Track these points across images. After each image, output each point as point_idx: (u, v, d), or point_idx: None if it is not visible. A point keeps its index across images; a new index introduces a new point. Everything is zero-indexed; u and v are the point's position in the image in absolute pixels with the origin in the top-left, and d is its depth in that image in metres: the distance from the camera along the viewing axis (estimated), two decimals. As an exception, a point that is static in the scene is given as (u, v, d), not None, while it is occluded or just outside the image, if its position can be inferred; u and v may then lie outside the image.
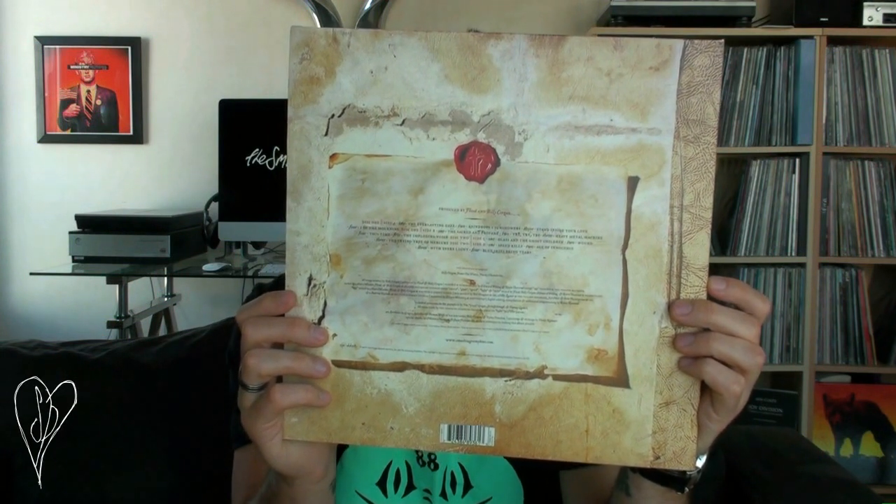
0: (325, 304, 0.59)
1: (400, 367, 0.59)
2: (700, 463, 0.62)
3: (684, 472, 0.62)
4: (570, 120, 0.56)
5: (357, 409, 0.59)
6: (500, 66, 0.56)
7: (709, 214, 0.56)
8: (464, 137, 0.57)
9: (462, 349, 0.58)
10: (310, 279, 0.59)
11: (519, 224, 0.57)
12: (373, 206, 0.58)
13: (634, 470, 0.65)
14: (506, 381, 0.58)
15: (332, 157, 0.58)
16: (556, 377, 0.58)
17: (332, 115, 0.58)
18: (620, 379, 0.57)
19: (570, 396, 0.58)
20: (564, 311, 0.57)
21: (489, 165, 0.57)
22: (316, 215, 0.58)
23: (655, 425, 0.57)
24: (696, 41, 0.56)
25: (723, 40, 0.56)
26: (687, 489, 0.64)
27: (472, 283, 0.58)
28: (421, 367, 0.58)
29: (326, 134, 0.58)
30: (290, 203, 0.58)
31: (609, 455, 0.58)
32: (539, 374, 0.58)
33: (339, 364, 0.59)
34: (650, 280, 0.57)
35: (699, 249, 0.56)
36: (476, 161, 0.57)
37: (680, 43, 0.56)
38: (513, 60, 0.56)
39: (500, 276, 0.57)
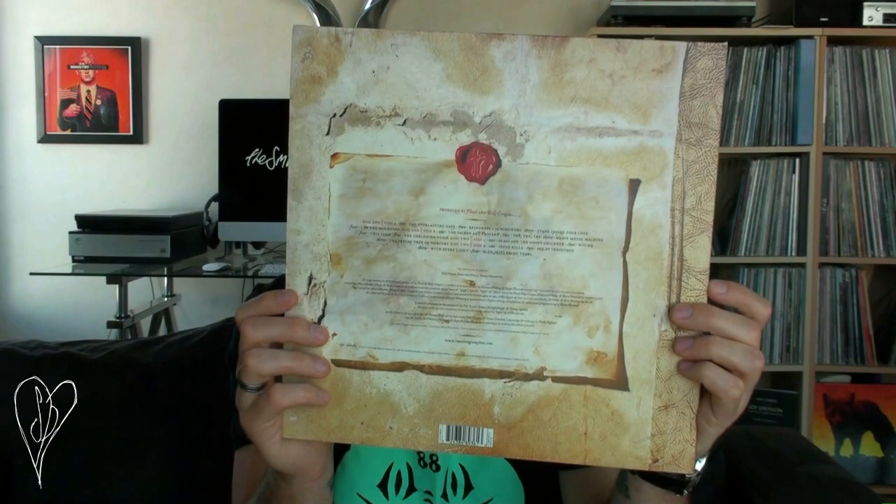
0: (326, 303, 0.59)
1: (399, 367, 0.58)
2: (699, 466, 0.62)
3: (683, 475, 0.62)
4: (571, 122, 0.56)
5: (356, 409, 0.59)
6: (502, 67, 0.56)
7: (710, 218, 0.56)
8: (465, 138, 0.57)
9: (461, 350, 0.58)
10: (310, 278, 0.59)
11: (519, 225, 0.57)
12: (374, 206, 0.58)
13: (633, 472, 0.65)
14: (505, 382, 0.58)
15: (334, 156, 0.58)
16: (556, 379, 0.58)
17: (334, 115, 0.58)
18: (620, 381, 0.57)
19: (569, 398, 0.58)
20: (564, 313, 0.57)
21: (490, 166, 0.57)
22: (317, 214, 0.58)
23: (654, 428, 0.57)
24: (699, 43, 0.55)
25: (726, 43, 0.56)
26: (686, 492, 0.64)
27: (472, 284, 0.57)
28: (420, 368, 0.58)
29: (328, 133, 0.58)
30: (290, 202, 0.58)
31: (607, 457, 0.58)
32: (538, 375, 0.58)
33: (338, 363, 0.59)
34: (650, 283, 0.57)
35: (700, 253, 0.56)
36: (477, 162, 0.57)
37: (683, 45, 0.55)
38: (515, 61, 0.56)
39: (500, 278, 0.57)
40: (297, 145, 0.58)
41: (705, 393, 0.57)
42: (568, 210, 0.57)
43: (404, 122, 0.57)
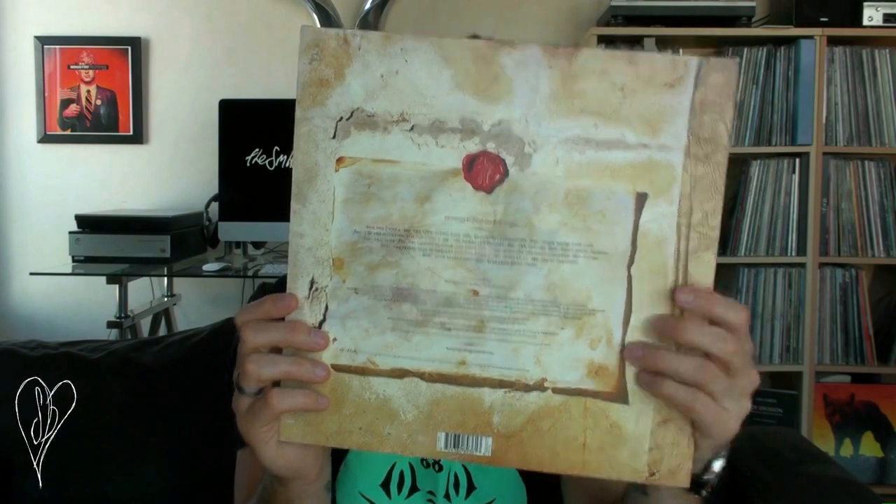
0: (327, 307, 0.58)
1: (399, 373, 0.58)
2: (717, 467, 0.61)
3: (701, 475, 0.62)
4: (580, 133, 0.55)
5: (355, 414, 0.59)
6: (512, 75, 0.55)
7: (716, 234, 0.56)
8: (473, 146, 0.56)
9: (462, 358, 0.58)
10: (312, 282, 0.58)
11: (525, 236, 0.57)
12: (378, 212, 0.57)
13: None
14: (505, 392, 0.58)
15: (339, 160, 0.57)
16: (556, 390, 0.57)
17: (341, 118, 0.57)
18: (620, 395, 0.57)
19: (568, 410, 0.57)
20: (567, 325, 0.57)
21: (497, 176, 0.56)
22: (320, 219, 0.58)
23: (652, 442, 0.57)
24: (711, 59, 0.55)
25: (738, 59, 0.56)
26: (704, 492, 0.64)
27: (476, 293, 0.57)
28: (421, 375, 0.58)
29: (334, 137, 0.57)
30: (294, 205, 0.58)
31: (605, 469, 0.58)
32: (539, 386, 0.57)
33: (338, 368, 0.59)
34: (654, 297, 0.56)
35: (705, 268, 0.56)
36: (484, 171, 0.56)
37: (695, 60, 0.55)
38: (526, 71, 0.55)
39: (503, 288, 0.57)
40: (303, 148, 0.57)
41: None
42: (574, 222, 0.56)
43: (412, 128, 0.56)
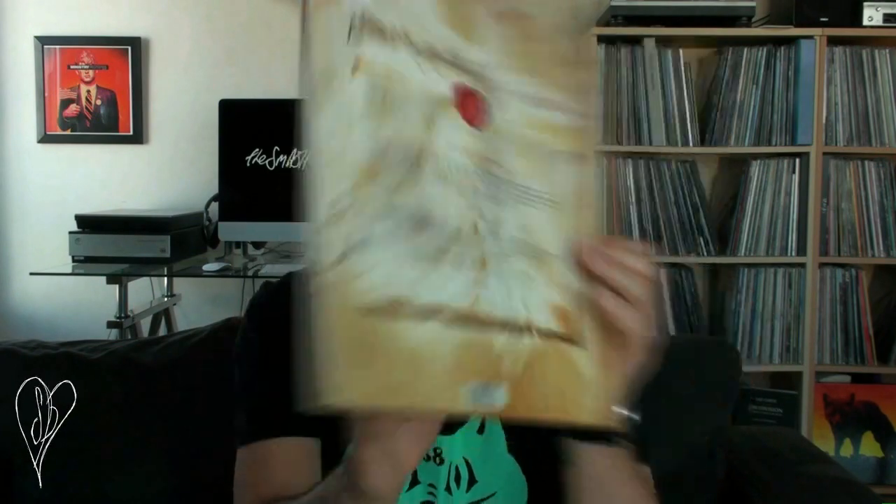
0: (350, 233, 0.53)
1: (426, 314, 0.54)
2: (623, 412, 0.60)
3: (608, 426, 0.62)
4: (538, 92, 0.57)
5: (388, 369, 0.54)
6: (488, 24, 0.56)
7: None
8: (461, 79, 0.56)
9: (476, 296, 0.55)
10: (333, 204, 0.53)
11: (506, 176, 0.57)
12: (394, 128, 0.54)
13: (566, 436, 0.66)
14: (507, 334, 0.56)
15: (356, 66, 0.54)
16: (539, 333, 0.57)
17: (354, 20, 0.54)
18: (579, 339, 0.57)
19: (548, 354, 0.57)
20: (540, 268, 0.57)
21: (484, 114, 0.56)
22: (339, 129, 0.53)
23: (602, 385, 0.58)
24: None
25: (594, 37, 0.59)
26: (622, 442, 0.65)
27: (476, 227, 0.56)
28: (443, 314, 0.55)
29: (349, 38, 0.54)
30: (308, 114, 0.52)
31: (575, 415, 0.58)
32: (528, 328, 0.57)
33: (366, 312, 0.53)
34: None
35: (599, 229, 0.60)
36: (473, 106, 0.56)
37: (599, 47, 0.59)
38: (501, 23, 0.56)
39: (494, 224, 0.56)
40: (317, 49, 0.53)
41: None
42: (537, 170, 0.57)
43: (413, 48, 0.55)
